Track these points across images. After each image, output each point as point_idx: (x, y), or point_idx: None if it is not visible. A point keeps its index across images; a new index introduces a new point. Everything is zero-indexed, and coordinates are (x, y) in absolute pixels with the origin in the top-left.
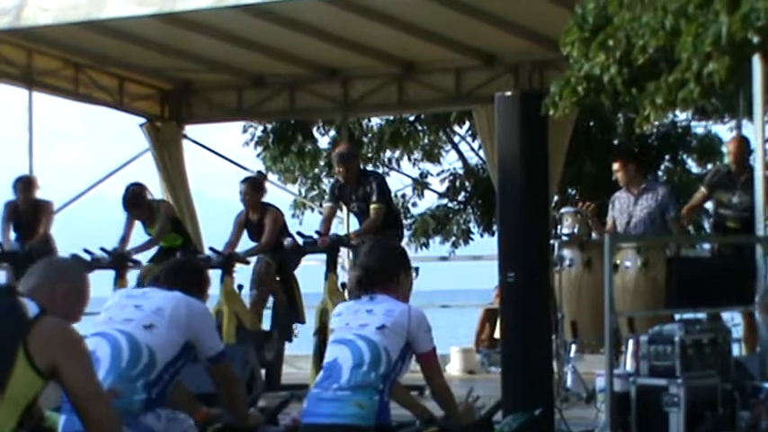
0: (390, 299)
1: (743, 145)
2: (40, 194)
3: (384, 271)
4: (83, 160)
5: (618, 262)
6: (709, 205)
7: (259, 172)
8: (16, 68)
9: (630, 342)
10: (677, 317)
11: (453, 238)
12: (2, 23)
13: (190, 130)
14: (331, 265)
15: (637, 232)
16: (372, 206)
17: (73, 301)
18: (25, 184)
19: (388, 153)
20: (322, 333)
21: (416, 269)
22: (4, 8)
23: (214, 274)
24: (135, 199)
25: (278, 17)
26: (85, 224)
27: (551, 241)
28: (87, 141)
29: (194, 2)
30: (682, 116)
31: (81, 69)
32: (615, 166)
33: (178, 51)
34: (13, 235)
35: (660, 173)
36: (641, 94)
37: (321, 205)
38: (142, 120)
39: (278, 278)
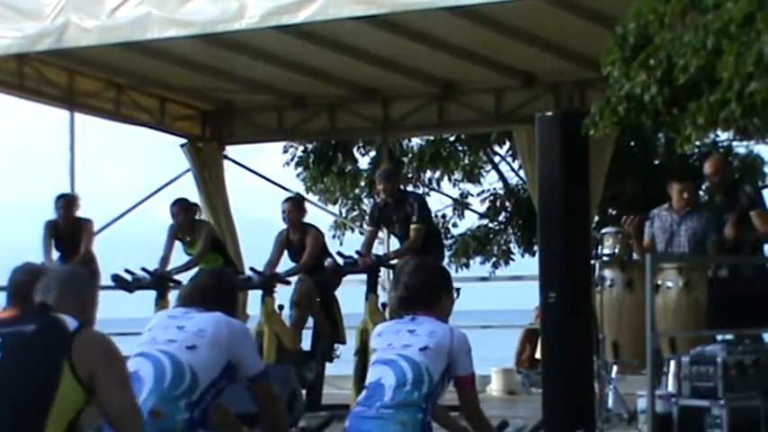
0: (432, 320)
1: None
2: (81, 213)
3: (428, 292)
4: (124, 181)
5: (659, 282)
6: None
7: (297, 194)
8: (58, 89)
9: (672, 363)
10: (719, 338)
11: (494, 259)
12: (44, 45)
13: (230, 150)
14: (371, 286)
15: (680, 253)
16: (413, 226)
17: (94, 305)
18: (65, 202)
19: (428, 173)
20: (363, 353)
21: (458, 290)
22: (46, 29)
23: (255, 295)
24: (185, 204)
25: (319, 38)
26: (127, 244)
27: (592, 262)
28: (128, 162)
29: (236, 23)
30: (723, 136)
31: (122, 90)
32: (677, 187)
33: (219, 72)
34: (56, 253)
35: (701, 192)
36: (682, 113)
37: (362, 226)
38: (183, 140)
39: (318, 299)
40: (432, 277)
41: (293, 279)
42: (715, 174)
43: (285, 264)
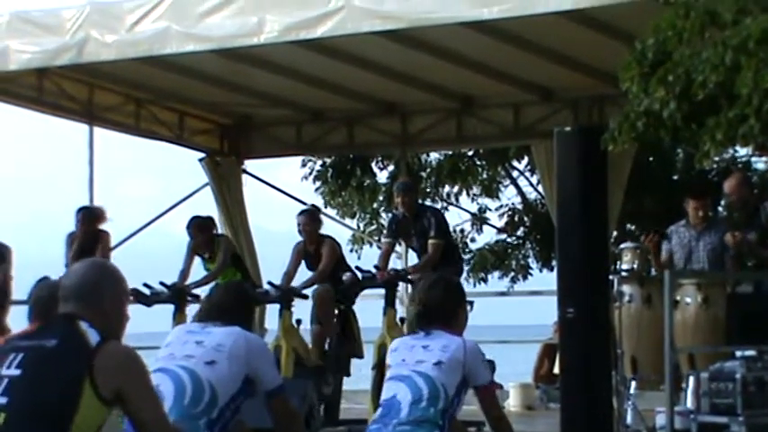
0: (446, 334)
1: None
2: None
3: (445, 308)
4: (142, 195)
5: (678, 298)
6: None
7: (313, 205)
8: (78, 104)
9: (691, 379)
10: (738, 354)
11: (512, 273)
12: (64, 59)
13: (249, 164)
14: (389, 300)
15: (698, 269)
16: (430, 241)
17: (117, 311)
18: (84, 215)
19: (446, 188)
20: (380, 368)
21: (471, 303)
22: (66, 44)
23: (272, 309)
24: (203, 224)
25: (337, 52)
26: (146, 258)
27: (611, 277)
28: (147, 176)
29: (254, 38)
30: (742, 152)
31: (142, 104)
32: (694, 203)
33: (238, 86)
34: None
35: (720, 209)
36: (701, 129)
37: (380, 240)
38: (202, 154)
39: (336, 312)
40: (449, 293)
41: (310, 291)
42: (734, 194)
43: (303, 274)
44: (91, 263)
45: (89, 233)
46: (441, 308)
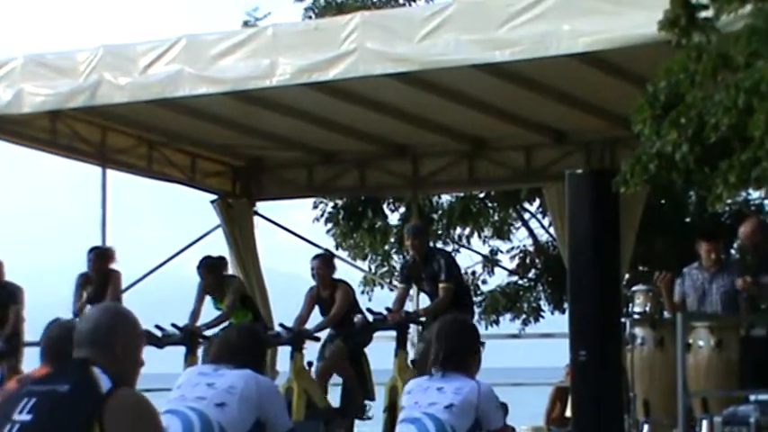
0: (460, 377)
1: None
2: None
3: (461, 350)
4: (154, 236)
5: (691, 341)
6: None
7: (326, 250)
8: (91, 146)
9: (704, 423)
10: (752, 398)
11: (524, 316)
12: (78, 102)
13: (260, 206)
14: (401, 342)
15: (711, 312)
16: (441, 285)
17: (130, 356)
18: (97, 255)
19: (458, 230)
20: (391, 410)
21: (482, 344)
22: (79, 86)
23: (284, 351)
24: (212, 264)
25: (349, 95)
26: (157, 300)
27: (623, 320)
28: (159, 218)
29: (266, 80)
30: (755, 194)
31: (154, 146)
32: (706, 246)
33: (250, 129)
34: (88, 307)
35: (733, 251)
36: (714, 172)
37: (391, 282)
38: (214, 196)
39: (348, 355)
40: (466, 336)
41: (323, 334)
42: (748, 239)
43: (316, 319)
44: (105, 308)
45: (100, 273)
46: (457, 350)
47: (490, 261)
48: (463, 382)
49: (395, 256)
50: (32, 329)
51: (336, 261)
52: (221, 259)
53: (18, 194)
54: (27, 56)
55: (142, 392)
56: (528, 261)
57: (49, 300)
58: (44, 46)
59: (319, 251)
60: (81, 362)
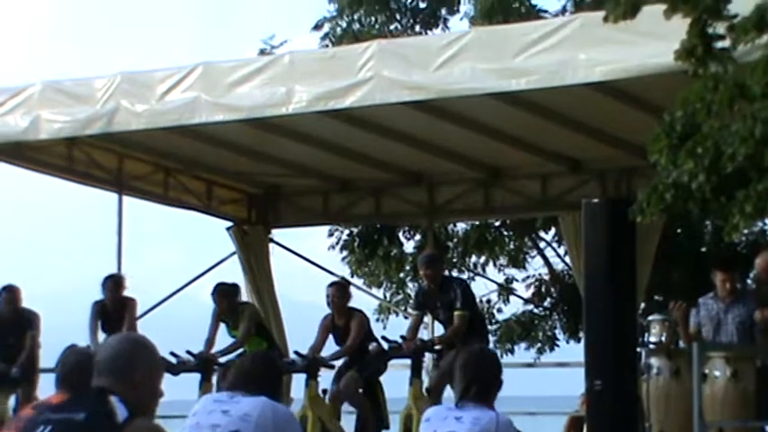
0: (479, 406)
1: None
2: (127, 293)
3: (484, 382)
4: (170, 263)
5: (707, 371)
6: None
7: (342, 278)
8: (107, 173)
9: None
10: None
11: (538, 344)
12: (95, 129)
13: (276, 233)
14: (416, 371)
15: (727, 342)
16: (456, 313)
17: (148, 385)
18: (113, 283)
19: (473, 258)
20: None
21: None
22: (96, 113)
23: (299, 379)
24: (227, 290)
25: (365, 122)
26: (172, 327)
27: (638, 349)
28: (175, 244)
29: (283, 108)
30: None
31: (170, 173)
32: (721, 276)
33: (266, 156)
34: (102, 335)
35: (749, 281)
36: (730, 202)
37: (406, 309)
38: (229, 223)
39: (363, 384)
40: (488, 368)
41: (337, 363)
42: (764, 271)
43: (330, 348)
44: (126, 337)
45: (116, 301)
46: (479, 381)
47: (505, 289)
48: (482, 413)
49: (410, 284)
50: (48, 355)
51: (351, 289)
52: (234, 286)
53: (35, 220)
54: (45, 82)
55: (158, 422)
56: (543, 290)
57: (64, 325)
58: (62, 73)
59: (334, 278)
60: (99, 390)
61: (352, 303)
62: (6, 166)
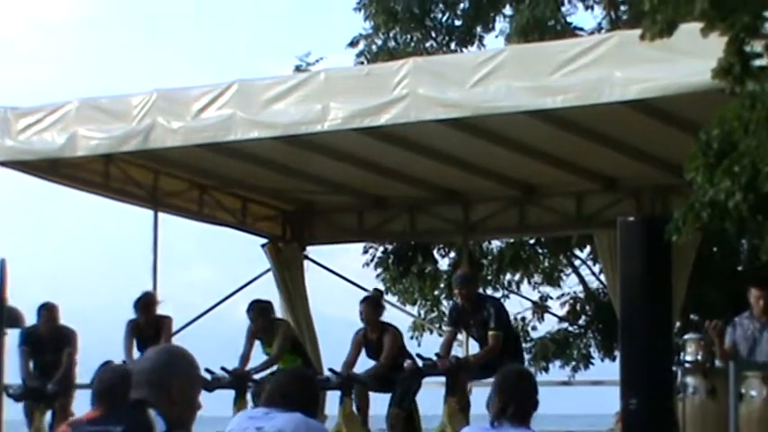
0: (516, 427)
1: None
2: (162, 312)
3: (521, 403)
4: (204, 280)
5: (743, 391)
6: None
7: (375, 289)
8: (143, 189)
9: None
10: None
11: (573, 363)
12: (131, 145)
13: (311, 250)
14: (450, 389)
15: (763, 361)
16: (491, 333)
17: (186, 399)
18: (146, 302)
19: (508, 276)
20: None
21: None
22: (133, 130)
23: (333, 396)
24: (262, 308)
25: (400, 140)
26: (207, 343)
27: (674, 368)
28: (208, 261)
29: (318, 125)
30: None
31: (205, 190)
32: (756, 293)
33: (301, 173)
34: (136, 353)
35: None
36: (767, 221)
37: (440, 327)
38: (264, 240)
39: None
40: (525, 390)
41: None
42: None
43: (363, 362)
44: (164, 349)
45: (152, 319)
46: (517, 402)
47: (540, 307)
48: None
49: (444, 302)
50: (84, 371)
51: (386, 305)
52: (269, 303)
53: (71, 237)
54: (81, 100)
55: None
56: (578, 308)
57: (100, 342)
58: (99, 90)
59: (367, 294)
60: (137, 403)
61: (385, 319)
62: (43, 182)
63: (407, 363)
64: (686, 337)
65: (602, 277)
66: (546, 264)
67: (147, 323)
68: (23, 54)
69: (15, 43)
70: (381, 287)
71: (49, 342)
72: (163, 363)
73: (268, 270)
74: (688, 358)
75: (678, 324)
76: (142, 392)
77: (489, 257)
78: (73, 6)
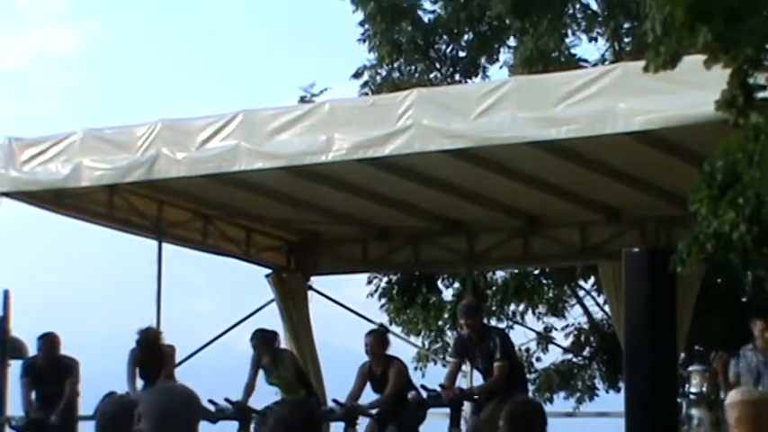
0: None
1: None
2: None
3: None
4: (209, 310)
5: None
6: None
7: (381, 325)
8: (147, 220)
9: None
10: None
11: (578, 394)
12: (135, 176)
13: (315, 280)
14: (454, 420)
15: None
16: (496, 364)
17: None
18: (145, 340)
19: (512, 306)
20: None
21: None
22: (137, 161)
23: (337, 427)
24: (266, 337)
25: (404, 170)
26: (211, 374)
27: (679, 400)
28: (213, 291)
29: (323, 156)
30: None
31: (210, 220)
32: (760, 325)
33: (305, 203)
34: (140, 382)
35: None
36: None
37: (444, 358)
38: (268, 270)
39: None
40: (534, 421)
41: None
42: None
43: (368, 395)
44: (167, 386)
45: (153, 354)
46: (523, 431)
47: (544, 338)
48: None
49: (448, 332)
50: (87, 402)
51: (390, 336)
52: (273, 333)
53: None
54: (86, 130)
55: None
56: (582, 339)
57: (103, 372)
58: (103, 121)
59: (373, 326)
60: None
61: (390, 351)
62: (47, 213)
63: (411, 394)
64: (691, 368)
65: (607, 308)
66: (550, 294)
67: (152, 357)
68: (29, 85)
69: (20, 74)
70: (386, 318)
71: (51, 373)
72: (166, 399)
73: (272, 300)
74: (693, 390)
75: (683, 355)
76: (145, 425)
77: (493, 288)
78: (79, 39)
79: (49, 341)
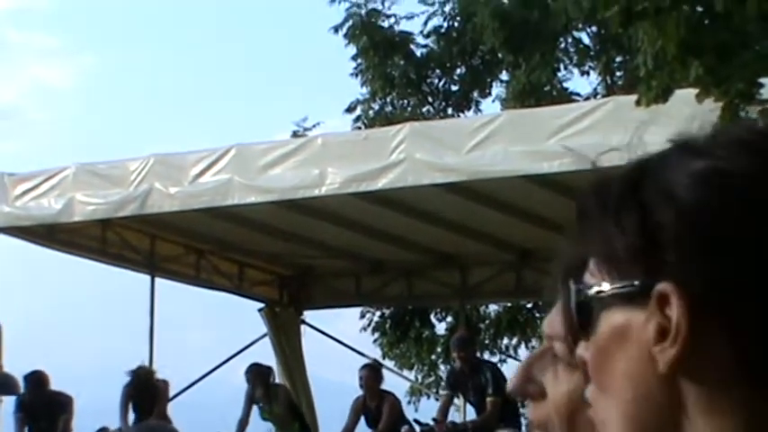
0: None
1: None
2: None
3: None
4: (201, 345)
5: None
6: None
7: (375, 360)
8: (140, 254)
9: None
10: None
11: None
12: (128, 210)
13: (308, 314)
14: None
15: None
16: (489, 399)
17: None
18: (138, 379)
19: (505, 340)
20: None
21: None
22: (130, 195)
23: None
24: (261, 371)
25: (397, 204)
26: (204, 409)
27: None
28: (205, 326)
29: (315, 190)
30: None
31: (202, 255)
32: None
33: (298, 237)
34: (132, 415)
35: None
36: None
37: (437, 392)
38: (261, 304)
39: None
40: None
41: None
42: None
43: (361, 430)
44: (149, 425)
45: (147, 391)
46: None
47: None
48: None
49: (441, 366)
50: None
51: (383, 371)
52: (268, 368)
53: (67, 302)
54: (79, 165)
55: None
56: None
57: (97, 406)
58: (96, 155)
59: (366, 360)
60: None
61: (383, 386)
62: (39, 248)
63: (405, 428)
64: None
65: None
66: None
67: (143, 394)
68: (23, 120)
69: (15, 110)
70: (379, 352)
71: (43, 409)
72: None
73: (265, 335)
74: None
75: None
76: None
77: (486, 321)
78: (74, 73)
79: (35, 380)
